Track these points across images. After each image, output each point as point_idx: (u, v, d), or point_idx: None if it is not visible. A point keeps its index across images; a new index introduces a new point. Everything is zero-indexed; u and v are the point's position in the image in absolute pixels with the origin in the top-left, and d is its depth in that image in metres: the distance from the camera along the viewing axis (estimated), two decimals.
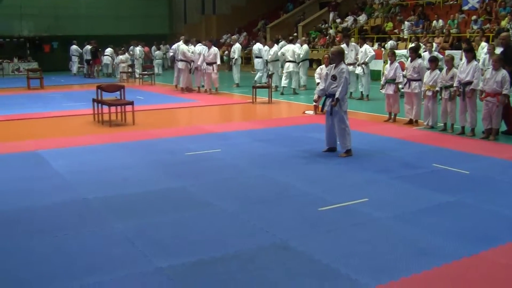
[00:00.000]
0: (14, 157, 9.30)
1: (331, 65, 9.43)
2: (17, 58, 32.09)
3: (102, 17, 35.31)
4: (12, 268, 4.87)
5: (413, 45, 15.91)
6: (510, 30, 20.13)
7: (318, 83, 13.89)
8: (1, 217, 6.26)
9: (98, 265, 4.91)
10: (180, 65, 20.11)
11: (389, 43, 23.27)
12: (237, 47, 22.40)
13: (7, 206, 6.63)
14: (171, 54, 22.24)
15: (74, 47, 29.52)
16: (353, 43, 18.07)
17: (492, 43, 15.00)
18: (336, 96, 9.03)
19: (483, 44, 16.47)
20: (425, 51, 15.50)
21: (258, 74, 21.31)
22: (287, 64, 19.41)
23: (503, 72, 10.24)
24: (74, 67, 30.07)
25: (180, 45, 20.40)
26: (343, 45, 17.63)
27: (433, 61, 11.63)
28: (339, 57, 9.30)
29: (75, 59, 29.91)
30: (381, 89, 12.81)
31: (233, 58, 22.26)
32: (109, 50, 28.58)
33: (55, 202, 6.76)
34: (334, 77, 9.16)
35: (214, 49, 19.68)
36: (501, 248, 5.23)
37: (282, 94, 18.80)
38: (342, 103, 9.10)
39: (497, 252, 5.15)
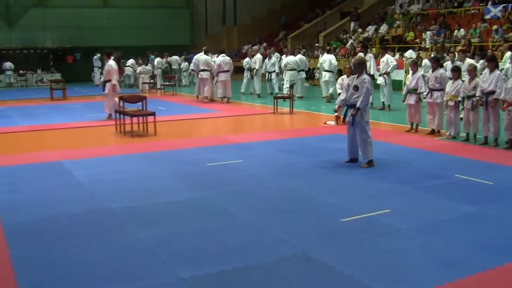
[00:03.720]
0: (38, 167, 9.39)
1: (353, 76, 9.40)
2: (40, 69, 32.48)
3: (124, 28, 35.59)
4: (35, 277, 4.92)
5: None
6: None
7: (340, 94, 13.90)
8: (25, 226, 6.33)
9: (120, 275, 4.94)
10: (204, 75, 20.15)
11: (408, 53, 23.20)
12: (258, 57, 22.43)
13: (30, 216, 6.70)
14: (192, 66, 22.21)
15: (95, 57, 29.80)
16: (370, 54, 17.93)
17: None
18: (357, 105, 9.00)
19: (508, 53, 16.32)
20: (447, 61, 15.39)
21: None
22: (323, 73, 19.59)
23: None
24: (96, 78, 30.33)
25: (200, 56, 20.48)
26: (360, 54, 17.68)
27: (456, 71, 11.55)
28: (361, 67, 9.27)
29: (96, 70, 30.18)
30: (403, 101, 12.74)
31: (254, 68, 22.27)
32: (131, 61, 28.74)
33: (78, 212, 6.82)
34: (356, 88, 9.12)
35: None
36: None
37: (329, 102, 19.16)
38: (364, 113, 9.07)
39: None
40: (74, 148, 11.19)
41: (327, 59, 19.61)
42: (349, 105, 9.27)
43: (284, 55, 22.13)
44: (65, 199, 7.43)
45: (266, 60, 22.54)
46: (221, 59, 20.19)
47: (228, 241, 5.77)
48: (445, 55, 16.74)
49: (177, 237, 5.90)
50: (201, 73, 20.27)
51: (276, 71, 22.17)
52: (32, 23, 33.37)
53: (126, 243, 5.74)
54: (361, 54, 16.19)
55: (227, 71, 20.05)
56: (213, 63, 20.39)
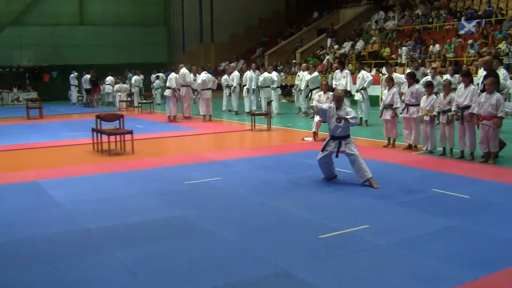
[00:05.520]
0: (14, 188, 9.28)
1: (332, 105, 9.35)
2: (16, 88, 32.25)
3: (101, 46, 35.57)
4: None
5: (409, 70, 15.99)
6: (509, 54, 20.25)
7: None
8: (1, 248, 6.24)
9: None
10: (167, 92, 20.14)
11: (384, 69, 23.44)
12: (235, 75, 22.36)
13: (6, 237, 6.61)
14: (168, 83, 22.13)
15: (71, 76, 29.68)
16: (346, 70, 18.01)
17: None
18: (347, 117, 9.03)
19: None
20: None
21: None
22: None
23: (497, 95, 10.30)
24: (73, 96, 30.17)
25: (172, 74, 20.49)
26: (337, 71, 17.76)
27: (429, 86, 11.67)
28: (339, 102, 9.29)
29: (73, 88, 30.04)
30: (380, 117, 12.83)
31: (232, 86, 22.19)
32: (109, 79, 28.63)
33: (55, 233, 6.75)
34: (339, 119, 9.11)
35: None
36: (503, 272, 5.21)
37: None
38: (352, 144, 9.09)
39: (499, 276, 5.13)
40: (51, 168, 11.09)
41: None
42: (332, 136, 9.22)
43: (251, 71, 22.10)
44: (42, 219, 7.35)
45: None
46: (206, 76, 20.21)
47: (207, 259, 5.75)
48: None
49: (156, 256, 5.87)
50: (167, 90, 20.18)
51: (253, 87, 22.00)
52: (8, 42, 33.23)
53: (105, 263, 5.69)
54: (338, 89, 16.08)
55: (210, 88, 20.05)
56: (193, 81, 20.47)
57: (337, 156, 9.16)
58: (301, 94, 20.35)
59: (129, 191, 8.95)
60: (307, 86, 19.49)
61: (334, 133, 9.17)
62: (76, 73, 29.76)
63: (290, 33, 37.09)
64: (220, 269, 5.46)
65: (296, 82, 21.35)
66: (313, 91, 18.94)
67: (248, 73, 21.81)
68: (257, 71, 22.40)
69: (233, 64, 25.47)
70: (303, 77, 20.10)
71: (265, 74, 21.22)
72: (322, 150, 9.26)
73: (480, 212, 7.33)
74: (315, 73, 19.53)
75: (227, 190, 8.89)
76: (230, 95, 22.31)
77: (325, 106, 9.80)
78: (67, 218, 7.38)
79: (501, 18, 24.32)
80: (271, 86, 21.01)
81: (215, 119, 20.11)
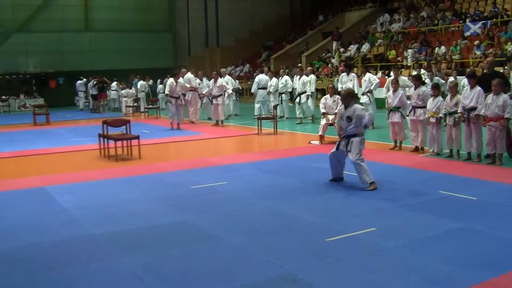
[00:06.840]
0: (21, 194, 9.30)
1: (341, 105, 9.31)
2: (23, 94, 32.33)
3: (106, 52, 35.59)
4: None
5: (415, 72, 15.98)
6: None
7: (324, 113, 13.99)
8: (8, 253, 6.26)
9: None
10: (165, 99, 20.06)
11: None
12: (228, 79, 21.78)
13: (13, 243, 6.62)
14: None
15: (79, 82, 29.73)
16: (353, 73, 17.99)
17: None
18: (364, 123, 8.97)
19: None
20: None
21: (257, 106, 21.47)
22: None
23: (504, 96, 10.26)
24: (81, 102, 30.22)
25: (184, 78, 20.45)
26: (343, 74, 17.72)
27: (436, 88, 11.65)
28: (348, 99, 9.25)
29: (81, 94, 30.08)
30: (388, 119, 12.82)
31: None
32: (114, 84, 28.65)
33: (62, 238, 6.76)
34: (349, 118, 9.09)
35: None
36: (511, 274, 5.18)
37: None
38: (362, 144, 9.07)
39: (507, 278, 5.11)
40: (58, 173, 11.11)
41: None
42: (345, 135, 9.20)
43: (263, 73, 21.99)
44: (49, 225, 7.37)
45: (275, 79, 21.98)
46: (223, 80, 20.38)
47: (214, 263, 5.75)
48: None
49: (163, 261, 5.87)
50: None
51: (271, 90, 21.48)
52: (14, 49, 33.29)
53: (111, 269, 5.69)
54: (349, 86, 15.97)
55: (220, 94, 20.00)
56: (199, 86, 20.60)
57: (349, 151, 9.10)
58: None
59: (136, 196, 8.95)
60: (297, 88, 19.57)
61: (346, 131, 9.15)
62: (84, 79, 29.78)
63: (295, 36, 37.11)
64: (226, 273, 5.46)
65: (294, 86, 21.15)
66: (301, 95, 19.05)
67: (259, 76, 21.73)
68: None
69: (223, 69, 24.56)
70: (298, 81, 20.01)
71: (275, 79, 21.16)
72: (337, 149, 9.24)
73: (487, 213, 7.31)
74: (311, 76, 19.47)
75: (234, 194, 8.88)
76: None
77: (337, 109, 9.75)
78: (73, 224, 7.39)
79: (506, 19, 24.27)
80: (285, 91, 20.86)
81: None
